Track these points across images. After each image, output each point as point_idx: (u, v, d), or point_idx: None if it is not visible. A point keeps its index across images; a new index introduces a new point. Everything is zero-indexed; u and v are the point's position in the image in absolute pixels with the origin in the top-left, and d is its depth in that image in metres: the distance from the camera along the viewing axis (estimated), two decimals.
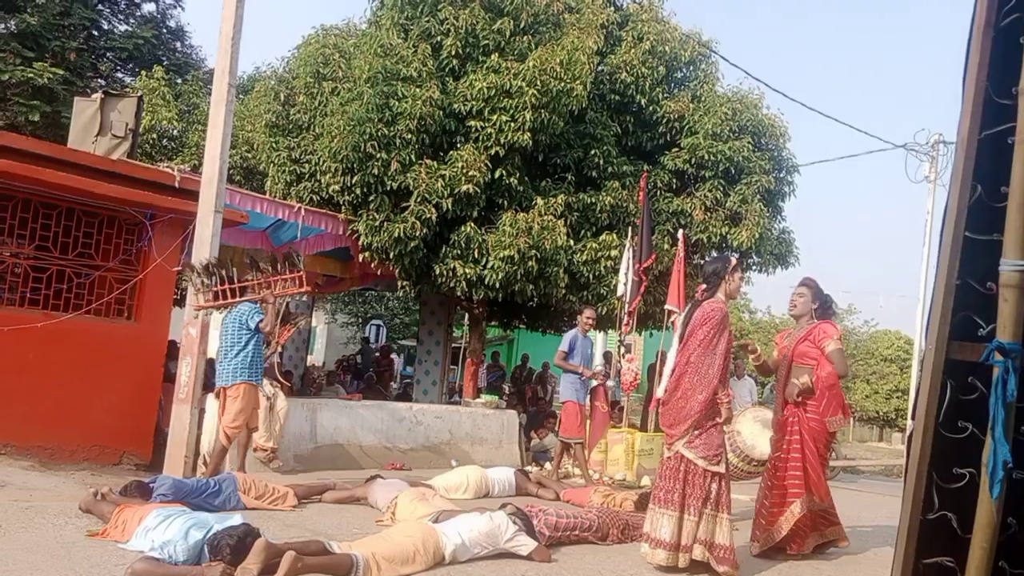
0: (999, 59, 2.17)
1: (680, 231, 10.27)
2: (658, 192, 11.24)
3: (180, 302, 9.30)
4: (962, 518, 2.17)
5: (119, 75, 17.95)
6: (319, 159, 10.04)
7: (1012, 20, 2.17)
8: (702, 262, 12.15)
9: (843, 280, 74.84)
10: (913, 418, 2.26)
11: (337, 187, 9.84)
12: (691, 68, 11.98)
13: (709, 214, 11.09)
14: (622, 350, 10.36)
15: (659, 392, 5.21)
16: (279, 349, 8.20)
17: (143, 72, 15.55)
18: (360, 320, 27.45)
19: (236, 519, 4.40)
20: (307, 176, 10.53)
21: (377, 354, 18.71)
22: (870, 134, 20.63)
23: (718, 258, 5.80)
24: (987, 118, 2.17)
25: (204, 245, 7.07)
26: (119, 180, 7.84)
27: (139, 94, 9.60)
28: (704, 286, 5.29)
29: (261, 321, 6.73)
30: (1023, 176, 2.06)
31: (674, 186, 11.40)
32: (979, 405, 2.12)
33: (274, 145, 11.02)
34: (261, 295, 6.88)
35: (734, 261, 5.42)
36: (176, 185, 8.13)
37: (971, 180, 2.14)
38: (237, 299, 6.89)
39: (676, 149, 11.33)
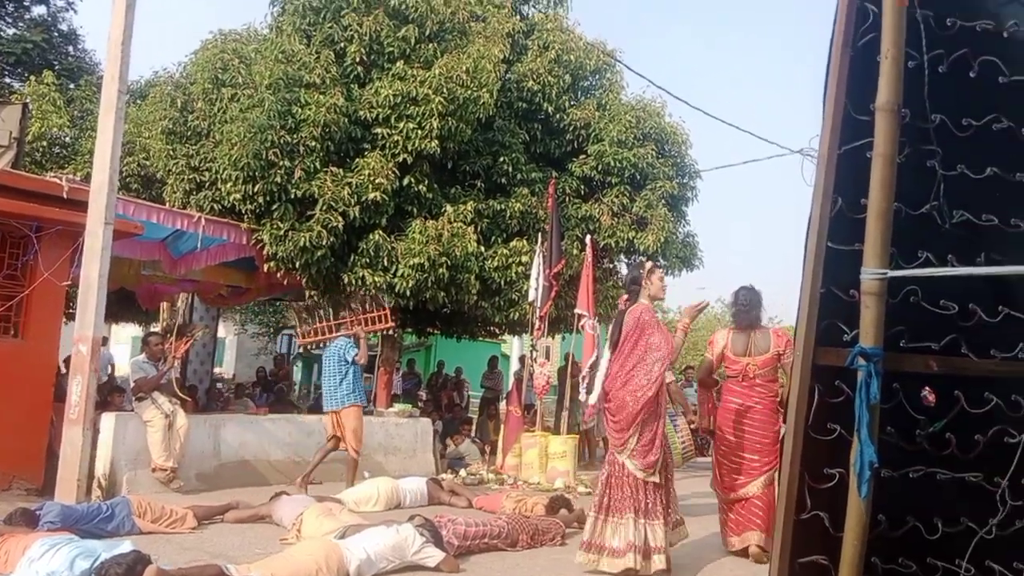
0: (857, 77, 2.28)
1: (588, 236, 10.40)
2: (566, 198, 11.36)
3: (71, 317, 8.88)
4: (834, 517, 2.25)
5: (7, 80, 17.10)
6: (219, 167, 9.71)
7: (869, 39, 2.28)
8: (611, 266, 12.38)
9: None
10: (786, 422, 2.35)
11: (239, 196, 9.55)
12: (596, 77, 12.16)
13: (616, 219, 11.26)
14: (535, 354, 10.43)
15: (593, 400, 5.20)
16: (175, 364, 7.92)
17: (32, 77, 14.79)
18: (272, 330, 26.72)
19: (126, 546, 4.21)
20: (207, 184, 10.18)
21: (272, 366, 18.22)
22: (769, 140, 21.38)
23: (634, 266, 5.96)
24: (846, 134, 2.27)
25: (94, 258, 6.76)
26: (1, 192, 7.44)
27: (25, 101, 9.15)
28: (626, 296, 5.42)
29: (356, 354, 7.74)
30: (880, 189, 2.17)
31: (582, 192, 11.54)
32: (846, 408, 2.21)
33: (171, 153, 10.63)
34: (353, 331, 8.08)
35: (649, 265, 5.56)
36: (64, 196, 7.73)
37: (832, 193, 2.24)
38: (333, 335, 8.24)
39: (583, 156, 11.47)
